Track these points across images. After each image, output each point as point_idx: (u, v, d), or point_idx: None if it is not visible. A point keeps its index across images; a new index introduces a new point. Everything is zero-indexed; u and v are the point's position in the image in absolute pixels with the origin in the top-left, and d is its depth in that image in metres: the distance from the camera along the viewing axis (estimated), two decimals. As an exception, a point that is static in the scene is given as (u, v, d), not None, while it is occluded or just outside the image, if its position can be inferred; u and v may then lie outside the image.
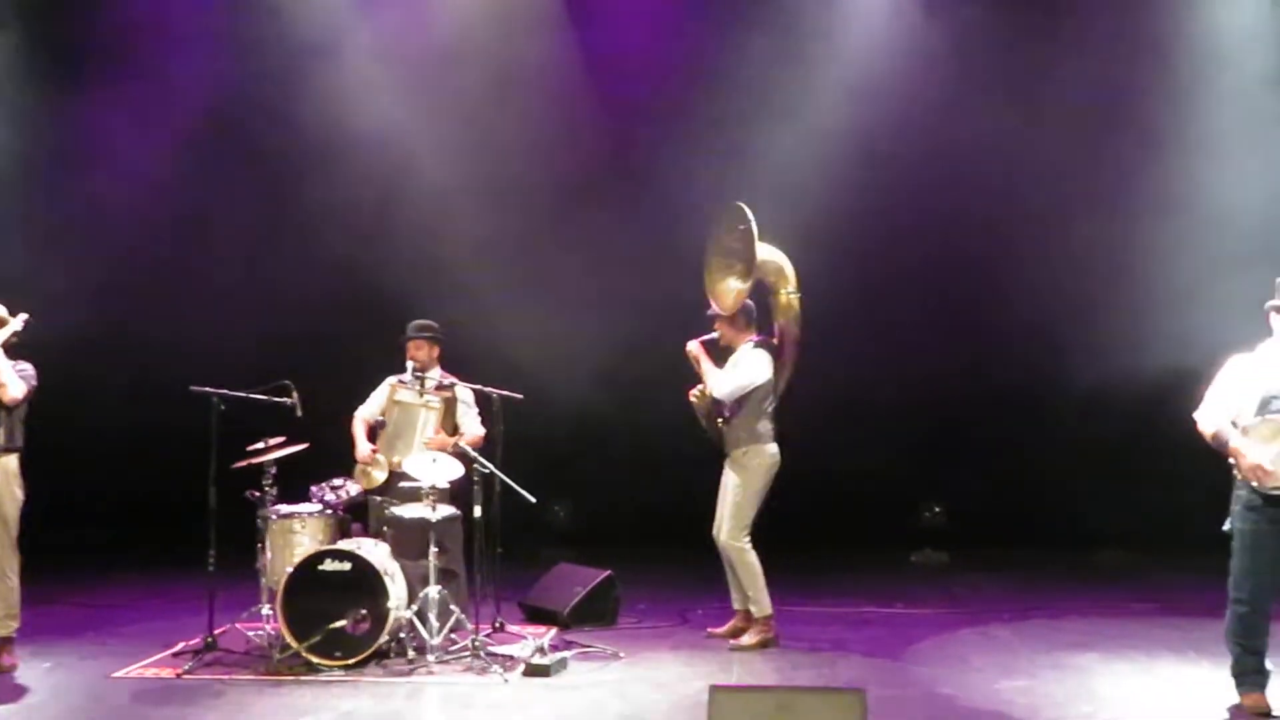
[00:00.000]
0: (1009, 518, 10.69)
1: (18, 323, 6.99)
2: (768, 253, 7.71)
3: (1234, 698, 6.18)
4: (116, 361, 10.52)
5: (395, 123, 10.26)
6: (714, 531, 7.77)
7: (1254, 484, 5.97)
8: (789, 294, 7.78)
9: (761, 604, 7.62)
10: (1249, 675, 6.14)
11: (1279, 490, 5.92)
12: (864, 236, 10.26)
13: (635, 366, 10.39)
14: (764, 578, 7.60)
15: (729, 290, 7.77)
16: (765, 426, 7.67)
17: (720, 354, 7.82)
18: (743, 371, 7.64)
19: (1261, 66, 9.64)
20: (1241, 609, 6.11)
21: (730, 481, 7.67)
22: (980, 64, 10.06)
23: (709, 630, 7.94)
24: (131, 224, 10.42)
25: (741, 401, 7.62)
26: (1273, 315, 6.12)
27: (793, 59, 10.23)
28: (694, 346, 7.84)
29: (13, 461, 6.97)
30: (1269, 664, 6.14)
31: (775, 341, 7.80)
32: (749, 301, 7.77)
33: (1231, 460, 6.06)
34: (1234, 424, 6.05)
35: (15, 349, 6.99)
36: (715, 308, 7.80)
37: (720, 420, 7.70)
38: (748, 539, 7.61)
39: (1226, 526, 6.16)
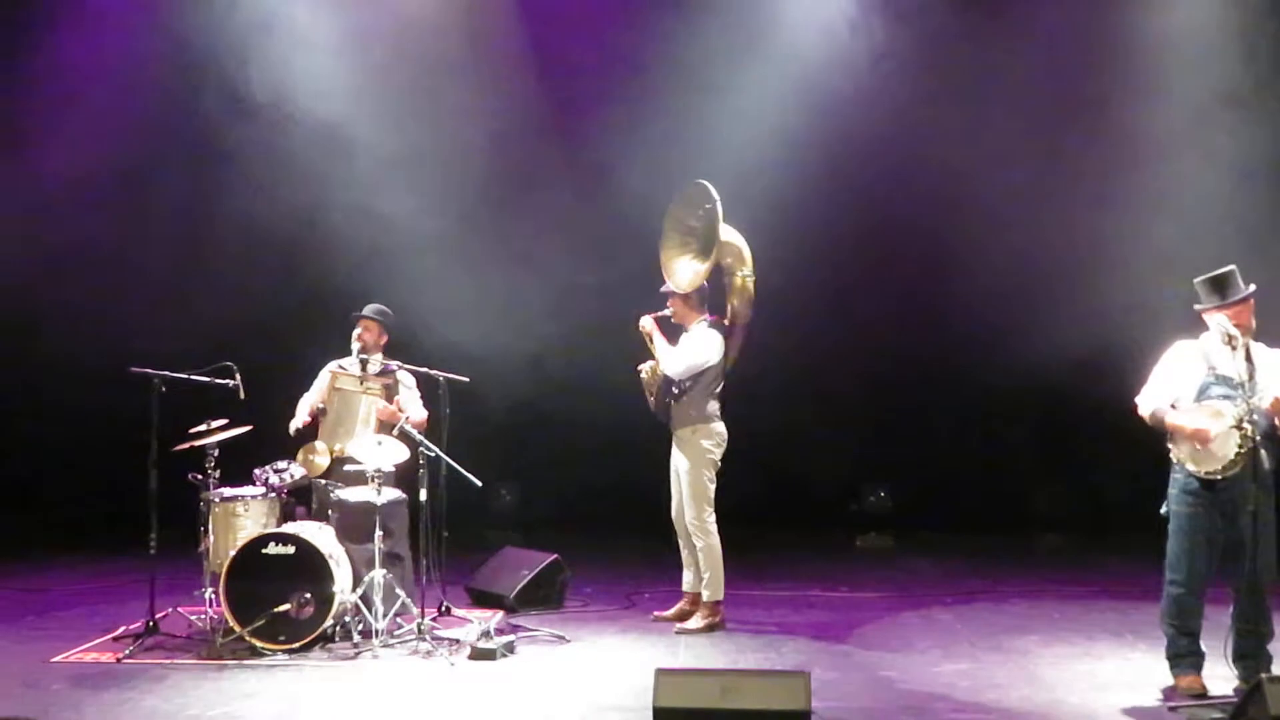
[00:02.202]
0: (953, 502, 10.81)
1: None
2: (728, 234, 7.72)
3: (1170, 679, 6.29)
4: (56, 343, 10.35)
5: (340, 104, 10.14)
6: (674, 513, 7.80)
7: (1190, 466, 6.07)
8: (744, 276, 7.80)
9: (715, 588, 7.64)
10: (1184, 657, 6.25)
11: (1214, 473, 6.02)
12: (813, 222, 10.29)
13: (581, 348, 10.39)
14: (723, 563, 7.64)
15: (687, 269, 7.78)
16: (713, 406, 7.70)
17: (672, 330, 7.83)
18: (695, 350, 7.66)
19: (1212, 72, 9.77)
20: (1176, 591, 6.21)
21: (681, 464, 7.69)
22: (934, 57, 10.10)
23: (655, 614, 7.96)
24: (71, 203, 10.23)
25: (693, 380, 7.63)
26: (1204, 315, 6.23)
27: (746, 46, 10.23)
28: (647, 322, 7.83)
29: None
30: (1203, 645, 6.25)
31: (726, 322, 7.82)
32: (704, 281, 7.78)
33: (1170, 443, 6.16)
34: (1173, 407, 6.15)
35: None
36: (670, 284, 7.81)
37: (669, 398, 7.70)
38: (712, 518, 7.63)
39: (1164, 510, 6.27)
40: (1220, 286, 6.14)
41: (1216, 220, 9.45)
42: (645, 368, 7.85)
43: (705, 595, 7.66)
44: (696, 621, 7.64)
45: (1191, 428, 6.04)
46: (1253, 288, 6.14)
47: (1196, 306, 6.24)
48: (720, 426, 7.71)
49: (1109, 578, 9.16)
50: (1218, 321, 6.11)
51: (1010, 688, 6.48)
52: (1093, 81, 10.03)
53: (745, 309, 7.84)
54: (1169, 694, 6.24)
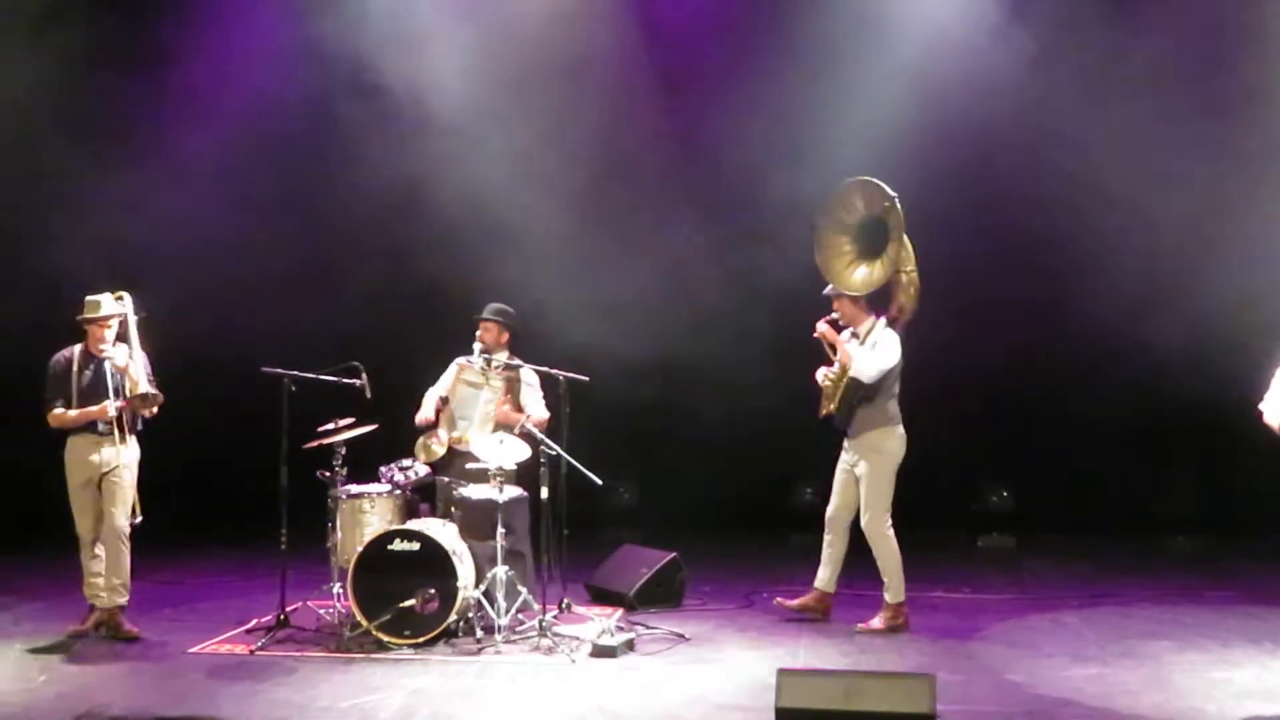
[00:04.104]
0: (1077, 502, 10.56)
1: (129, 307, 7.37)
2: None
3: (1313, 688, 6.09)
4: (188, 342, 10.63)
5: (463, 102, 10.24)
6: (830, 512, 7.74)
7: None
8: (909, 272, 7.68)
9: (897, 590, 7.56)
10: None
11: None
12: (935, 217, 10.11)
13: (701, 346, 10.36)
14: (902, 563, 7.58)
15: (857, 270, 7.65)
16: (894, 408, 7.59)
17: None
18: (886, 352, 7.53)
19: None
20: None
21: (861, 468, 7.59)
22: (1057, 39, 9.87)
23: (779, 599, 7.89)
24: (201, 204, 10.50)
25: (878, 383, 7.52)
26: None
27: (863, 33, 10.09)
28: (827, 329, 7.67)
29: (134, 443, 7.44)
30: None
31: (891, 319, 7.69)
32: None
33: None
34: None
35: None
36: (835, 287, 7.68)
37: (856, 404, 7.57)
38: (889, 523, 7.56)
39: None
40: None
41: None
42: (829, 375, 7.68)
43: (888, 597, 7.57)
44: (879, 621, 7.56)
45: None
46: None
47: None
48: (901, 429, 7.60)
49: (1244, 582, 8.86)
50: None
51: (1142, 694, 6.32)
52: (1231, 78, 9.69)
53: (912, 305, 7.71)
54: (1312, 704, 6.03)
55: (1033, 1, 9.92)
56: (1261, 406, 6.07)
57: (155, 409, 7.35)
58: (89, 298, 7.38)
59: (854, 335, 7.66)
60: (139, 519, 7.38)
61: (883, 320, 7.62)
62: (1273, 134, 9.62)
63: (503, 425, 7.75)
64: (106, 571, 7.34)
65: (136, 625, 7.52)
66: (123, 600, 7.39)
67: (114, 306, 7.35)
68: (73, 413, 7.30)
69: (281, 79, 10.42)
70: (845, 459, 7.68)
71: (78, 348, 7.42)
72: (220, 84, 10.37)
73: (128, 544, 7.38)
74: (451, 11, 10.28)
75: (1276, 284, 9.08)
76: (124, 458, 7.37)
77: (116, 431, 7.33)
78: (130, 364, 7.30)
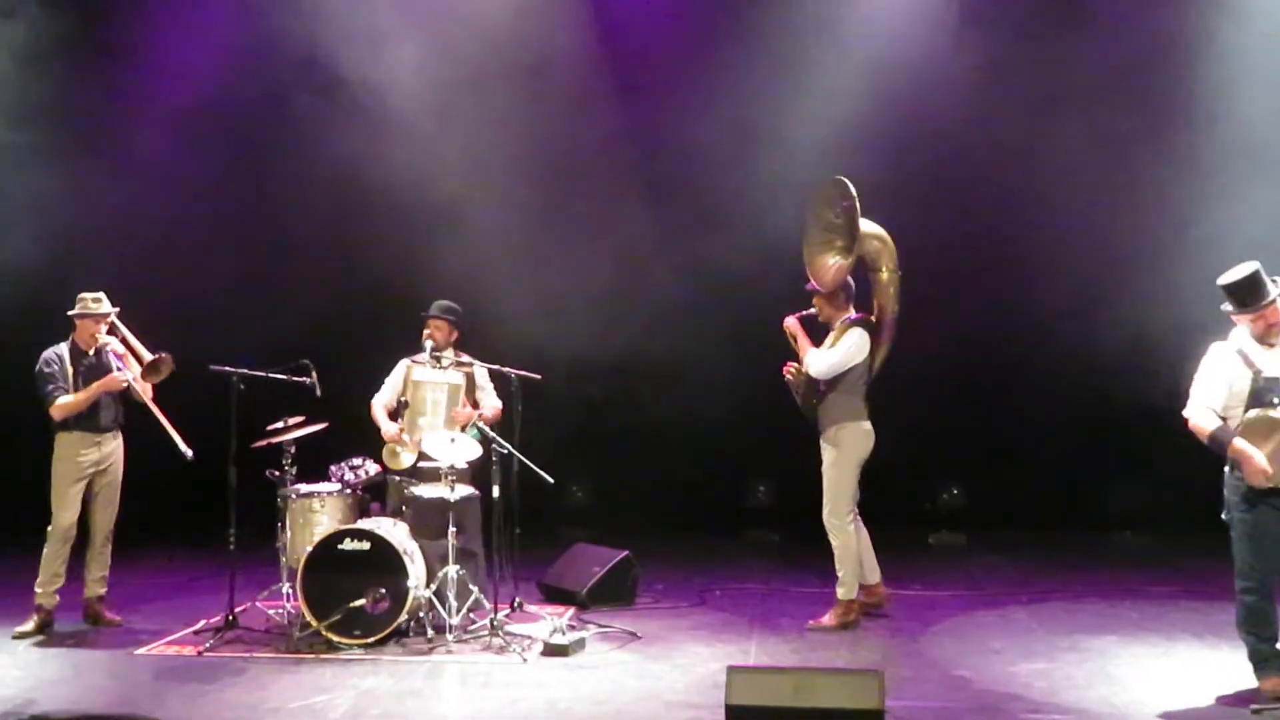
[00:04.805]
0: (1027, 500, 10.66)
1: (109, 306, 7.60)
2: (872, 229, 7.64)
3: (1253, 681, 6.17)
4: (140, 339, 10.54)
5: (413, 101, 10.20)
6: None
7: (1251, 482, 5.93)
8: (891, 271, 7.74)
9: (849, 587, 7.60)
10: (1268, 660, 6.10)
11: (1275, 481, 5.88)
12: (883, 215, 10.18)
13: (654, 344, 10.37)
14: (857, 562, 7.61)
15: (829, 266, 7.71)
16: (859, 404, 7.64)
17: (817, 329, 7.77)
18: (840, 350, 7.58)
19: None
20: (1250, 599, 6.05)
21: (826, 460, 7.65)
22: (1010, 44, 9.96)
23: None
24: (151, 202, 10.38)
25: (837, 379, 7.58)
26: (1233, 317, 6.12)
27: (820, 31, 10.13)
28: (792, 323, 7.77)
29: (120, 439, 7.66)
30: (1286, 647, 6.11)
31: (874, 319, 7.73)
32: (849, 278, 7.72)
33: (1231, 455, 6.02)
34: (1222, 417, 6.00)
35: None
36: (814, 283, 7.74)
37: (815, 398, 7.65)
38: (850, 517, 7.61)
39: (1225, 515, 6.13)
40: (1242, 293, 6.00)
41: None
42: (791, 369, 7.79)
43: (840, 593, 7.61)
44: (830, 618, 7.60)
45: (1257, 467, 5.86)
46: (1275, 292, 5.98)
47: (1224, 308, 6.13)
48: (867, 425, 7.65)
49: (1189, 577, 8.98)
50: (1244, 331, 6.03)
51: (1088, 688, 6.40)
52: (1178, 86, 9.82)
53: (893, 304, 7.75)
54: (1252, 696, 6.11)
55: (986, 6, 10.01)
56: (1186, 413, 6.14)
57: (170, 369, 7.53)
58: (85, 295, 7.53)
59: (831, 331, 7.73)
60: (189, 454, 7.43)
61: (849, 319, 7.67)
62: (1218, 140, 9.77)
63: (457, 424, 7.73)
64: (93, 566, 7.60)
65: (84, 626, 7.54)
66: (104, 590, 7.66)
67: (108, 304, 7.55)
68: (81, 395, 7.37)
69: (234, 73, 10.33)
70: (823, 455, 7.74)
71: (64, 345, 7.48)
72: (172, 77, 10.27)
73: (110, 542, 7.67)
74: (405, 6, 10.20)
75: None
76: (119, 453, 7.61)
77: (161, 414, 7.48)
78: (130, 342, 7.59)
